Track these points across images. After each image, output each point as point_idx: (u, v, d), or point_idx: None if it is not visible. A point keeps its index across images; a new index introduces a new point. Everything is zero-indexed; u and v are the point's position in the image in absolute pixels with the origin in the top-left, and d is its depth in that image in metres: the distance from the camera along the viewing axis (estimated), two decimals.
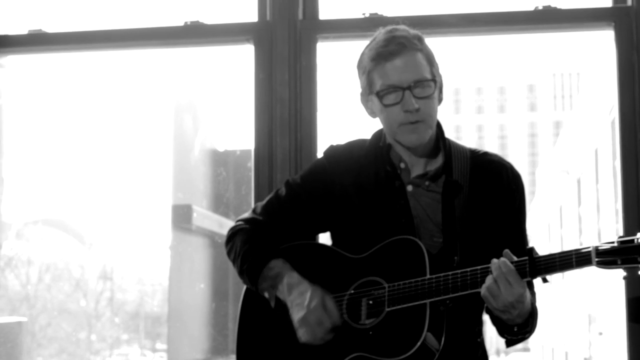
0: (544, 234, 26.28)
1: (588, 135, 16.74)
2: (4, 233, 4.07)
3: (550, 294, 23.90)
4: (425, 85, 2.49)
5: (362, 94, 2.62)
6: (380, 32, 2.55)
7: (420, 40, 2.53)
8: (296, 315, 2.50)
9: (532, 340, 33.09)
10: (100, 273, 24.68)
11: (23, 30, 3.88)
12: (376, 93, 2.51)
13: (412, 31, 2.54)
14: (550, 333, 25.28)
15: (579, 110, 18.73)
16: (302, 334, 2.49)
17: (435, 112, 2.54)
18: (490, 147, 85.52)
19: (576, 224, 19.28)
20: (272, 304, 2.58)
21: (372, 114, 2.62)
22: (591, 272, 15.93)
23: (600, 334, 15.81)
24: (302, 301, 2.49)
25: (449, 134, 2.62)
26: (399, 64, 2.48)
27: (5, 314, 3.86)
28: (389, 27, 2.55)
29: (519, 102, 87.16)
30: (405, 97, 2.47)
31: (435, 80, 2.50)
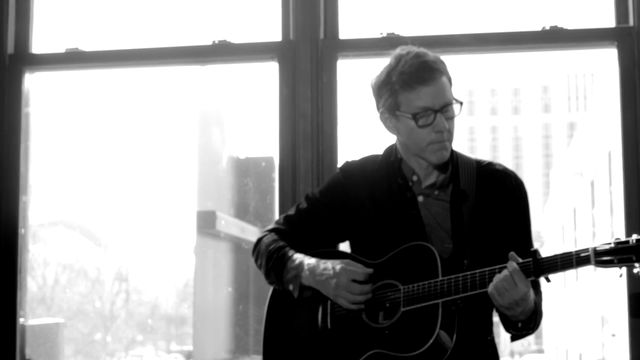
0: (557, 236, 26.25)
1: (601, 138, 16.79)
2: (31, 237, 4.27)
3: (564, 296, 23.92)
4: (453, 108, 2.65)
5: (383, 112, 2.71)
6: (405, 55, 2.65)
7: (444, 64, 2.67)
8: (329, 287, 2.64)
9: (547, 342, 33.07)
10: (116, 274, 24.72)
11: (61, 49, 4.03)
12: (413, 114, 2.62)
13: (436, 55, 2.67)
14: (564, 335, 25.29)
15: (592, 113, 18.75)
16: (343, 299, 2.62)
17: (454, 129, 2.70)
18: (505, 148, 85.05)
19: (590, 226, 19.31)
20: (296, 294, 2.71)
21: (393, 130, 2.73)
22: (604, 275, 16.01)
23: (613, 335, 15.89)
24: (327, 272, 2.64)
25: (463, 135, 2.77)
26: (432, 89, 2.60)
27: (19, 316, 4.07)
28: (414, 51, 2.65)
29: (533, 104, 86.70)
30: (437, 119, 2.60)
31: (460, 102, 2.66)
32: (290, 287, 2.72)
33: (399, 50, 2.68)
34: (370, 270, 2.64)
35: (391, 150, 2.80)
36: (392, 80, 2.65)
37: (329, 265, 2.65)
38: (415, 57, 2.62)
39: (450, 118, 2.65)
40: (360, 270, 2.63)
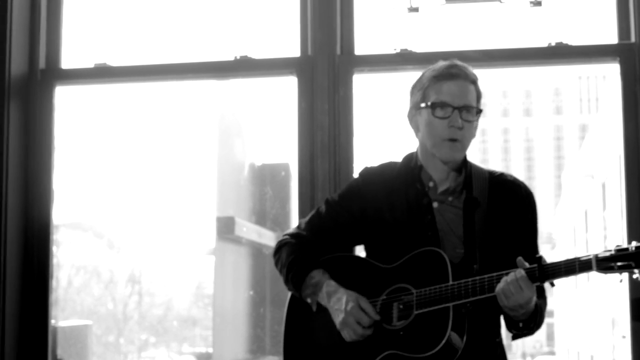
0: (569, 238, 26.20)
1: (612, 141, 16.81)
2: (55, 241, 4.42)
3: (575, 298, 23.93)
4: (471, 111, 2.78)
5: (411, 109, 2.85)
6: (443, 62, 2.82)
7: (477, 77, 2.83)
8: (337, 319, 2.77)
9: (558, 343, 33.04)
10: (129, 277, 24.75)
11: (89, 64, 4.17)
12: (430, 104, 2.75)
13: (472, 70, 2.84)
14: (576, 336, 25.29)
15: (603, 115, 18.76)
16: (346, 334, 2.76)
17: (472, 137, 2.83)
18: (516, 150, 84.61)
19: (601, 228, 19.32)
20: (314, 308, 2.84)
21: (416, 128, 2.85)
22: (613, 277, 16.02)
23: (624, 337, 15.96)
24: (340, 306, 2.75)
25: (475, 137, 2.92)
26: (455, 87, 2.76)
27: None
28: (451, 60, 2.83)
29: (545, 105, 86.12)
30: (454, 115, 2.74)
31: (480, 111, 2.81)
32: (309, 300, 2.86)
33: (440, 61, 2.85)
34: (377, 317, 2.75)
35: (411, 157, 2.92)
36: (424, 78, 2.83)
37: (344, 300, 2.76)
38: (451, 62, 2.81)
39: (467, 120, 2.78)
40: (366, 317, 2.75)
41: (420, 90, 2.81)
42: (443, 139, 2.77)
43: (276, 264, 2.98)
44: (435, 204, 2.83)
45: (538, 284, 2.61)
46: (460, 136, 2.77)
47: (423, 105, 2.79)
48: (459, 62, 2.82)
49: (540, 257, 2.60)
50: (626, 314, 3.68)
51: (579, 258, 2.56)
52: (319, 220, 2.96)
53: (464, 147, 2.81)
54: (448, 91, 2.75)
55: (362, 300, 2.76)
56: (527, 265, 2.60)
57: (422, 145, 2.86)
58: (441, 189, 2.85)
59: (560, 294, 26.81)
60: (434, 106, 2.76)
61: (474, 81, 2.80)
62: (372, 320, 2.75)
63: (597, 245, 19.59)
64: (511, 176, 2.91)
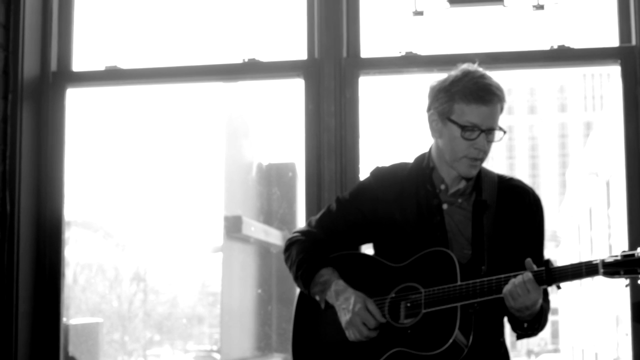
0: (573, 236, 26.17)
1: (617, 138, 16.74)
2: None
3: (580, 296, 23.94)
4: (496, 133, 2.81)
5: (433, 113, 2.83)
6: (473, 72, 2.79)
7: (504, 93, 2.82)
8: (343, 318, 2.80)
9: (563, 341, 33.04)
10: (134, 274, 24.76)
11: (100, 67, 4.24)
12: (462, 126, 2.75)
13: (499, 83, 2.80)
14: (580, 334, 25.29)
15: (607, 113, 18.74)
16: (350, 334, 2.79)
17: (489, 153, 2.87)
18: (520, 148, 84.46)
19: (605, 226, 19.32)
20: (322, 305, 2.87)
21: (436, 132, 2.85)
22: (620, 281, 15.97)
23: (627, 334, 15.97)
24: (347, 306, 2.78)
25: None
26: (487, 111, 2.76)
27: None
28: (481, 72, 2.80)
29: (549, 103, 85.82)
30: (480, 138, 2.77)
31: (504, 131, 2.83)
32: (317, 298, 2.89)
33: (466, 66, 2.83)
34: (383, 320, 2.78)
35: (423, 158, 2.95)
36: (453, 89, 2.79)
37: (352, 300, 2.79)
38: (481, 78, 2.79)
39: (490, 141, 2.82)
40: (373, 319, 2.78)
41: (448, 101, 2.80)
42: (466, 156, 2.80)
43: (286, 260, 3.00)
44: (445, 206, 2.87)
45: (545, 286, 2.66)
46: (482, 156, 2.82)
47: (451, 120, 2.79)
48: (489, 81, 2.79)
49: (548, 261, 2.65)
50: (629, 311, 3.74)
51: (586, 262, 2.61)
52: (330, 219, 2.99)
53: (482, 163, 2.87)
54: (479, 114, 2.77)
55: (369, 302, 2.79)
56: (535, 268, 2.65)
57: (439, 149, 2.88)
58: (452, 190, 2.88)
59: (565, 291, 26.80)
60: (464, 128, 2.77)
61: (500, 100, 2.81)
62: (378, 322, 2.78)
63: (601, 243, 19.59)
64: (520, 181, 2.96)
